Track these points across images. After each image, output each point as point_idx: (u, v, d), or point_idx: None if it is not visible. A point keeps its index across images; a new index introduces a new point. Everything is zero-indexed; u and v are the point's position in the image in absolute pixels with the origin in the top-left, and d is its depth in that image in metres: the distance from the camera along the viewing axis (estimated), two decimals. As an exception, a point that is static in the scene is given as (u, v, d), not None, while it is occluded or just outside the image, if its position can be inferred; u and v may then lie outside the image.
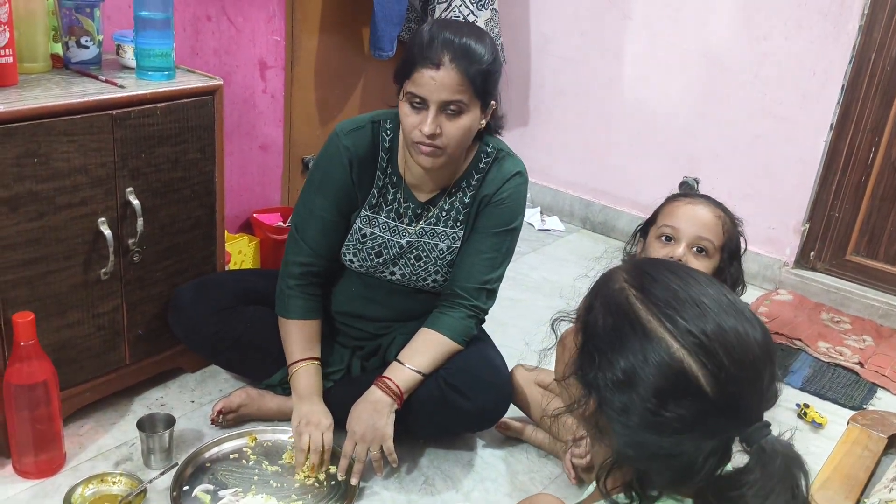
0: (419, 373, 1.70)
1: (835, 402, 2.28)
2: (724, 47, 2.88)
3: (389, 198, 1.77)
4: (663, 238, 1.66)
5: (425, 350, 1.72)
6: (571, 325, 1.02)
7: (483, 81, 1.57)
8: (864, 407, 2.26)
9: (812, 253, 2.93)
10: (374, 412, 1.66)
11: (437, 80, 1.53)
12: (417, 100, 1.57)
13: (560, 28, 3.25)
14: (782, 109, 2.82)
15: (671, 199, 1.72)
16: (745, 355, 0.85)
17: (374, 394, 1.68)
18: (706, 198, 1.70)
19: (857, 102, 2.72)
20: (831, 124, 2.75)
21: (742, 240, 1.69)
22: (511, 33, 3.27)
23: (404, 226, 1.77)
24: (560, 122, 3.38)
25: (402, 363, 1.71)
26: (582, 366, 0.92)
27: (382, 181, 1.75)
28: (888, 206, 2.76)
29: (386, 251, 1.78)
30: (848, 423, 2.09)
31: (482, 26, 2.75)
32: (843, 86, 2.70)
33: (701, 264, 1.61)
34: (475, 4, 2.78)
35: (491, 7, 2.84)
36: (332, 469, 1.73)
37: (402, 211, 1.77)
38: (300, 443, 1.68)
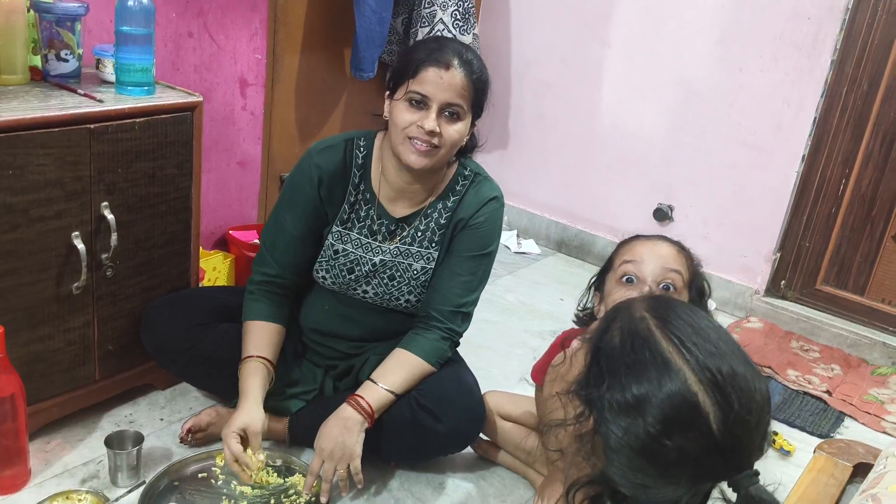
0: (392, 392, 1.70)
1: (803, 429, 2.31)
2: (701, 77, 2.93)
3: (362, 214, 1.78)
4: (624, 279, 1.46)
5: (398, 370, 1.72)
6: (578, 344, 1.03)
7: (479, 93, 1.67)
8: (832, 435, 2.28)
9: (783, 282, 2.97)
10: (345, 429, 1.65)
11: (444, 80, 1.61)
12: (418, 97, 1.62)
13: (541, 53, 3.29)
14: (756, 140, 2.86)
15: (624, 242, 1.54)
16: (752, 402, 0.87)
17: (346, 411, 1.67)
18: (661, 237, 1.53)
19: (828, 135, 2.77)
20: (803, 156, 2.81)
21: (705, 283, 1.53)
22: (492, 57, 3.31)
23: (377, 243, 1.78)
24: (538, 146, 3.41)
25: (374, 382, 1.71)
26: (588, 384, 0.92)
27: (354, 197, 1.77)
28: (857, 236, 2.81)
29: (358, 268, 1.78)
30: (815, 452, 2.11)
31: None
32: (815, 118, 2.76)
33: None
34: (458, 29, 2.81)
35: (473, 32, 2.87)
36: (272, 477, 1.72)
37: (374, 228, 1.78)
38: (224, 453, 1.64)
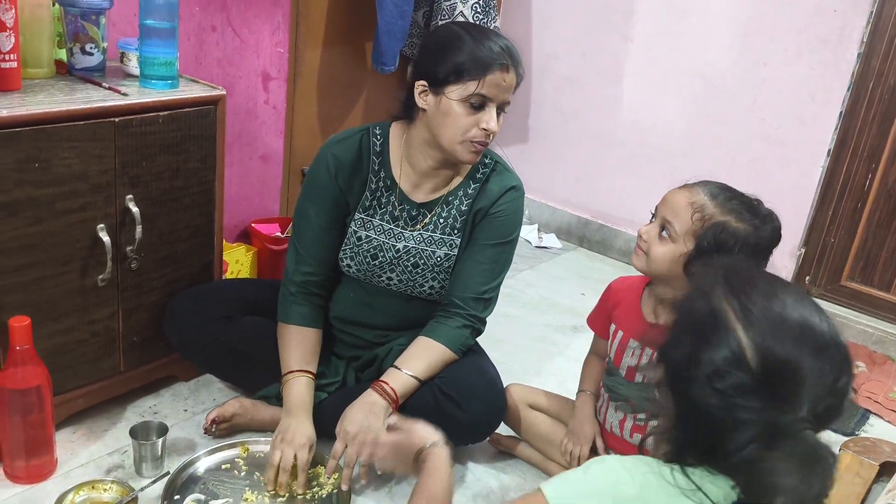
0: (416, 378, 1.71)
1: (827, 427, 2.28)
2: (724, 71, 2.90)
3: (383, 200, 1.80)
4: (651, 217, 1.64)
5: (422, 357, 1.74)
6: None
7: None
8: (857, 433, 2.26)
9: (807, 277, 2.94)
10: (370, 413, 1.66)
11: (506, 83, 1.65)
12: (480, 100, 1.63)
13: (561, 48, 3.27)
14: (780, 134, 2.83)
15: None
16: (803, 343, 0.93)
17: (370, 396, 1.68)
18: (708, 184, 1.60)
19: (854, 129, 2.74)
20: (829, 150, 2.77)
21: (724, 237, 1.51)
22: (513, 51, 3.30)
23: (400, 229, 1.79)
24: (559, 141, 3.39)
25: (398, 368, 1.72)
26: (666, 341, 1.03)
27: (375, 184, 1.79)
28: (884, 232, 2.78)
29: (382, 254, 1.79)
30: (840, 450, 2.09)
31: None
32: (841, 112, 2.72)
33: (660, 247, 1.56)
34: (478, 22, 2.80)
35: (494, 26, 2.86)
36: (316, 488, 1.72)
37: (396, 214, 1.79)
38: (272, 458, 1.67)
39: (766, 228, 1.53)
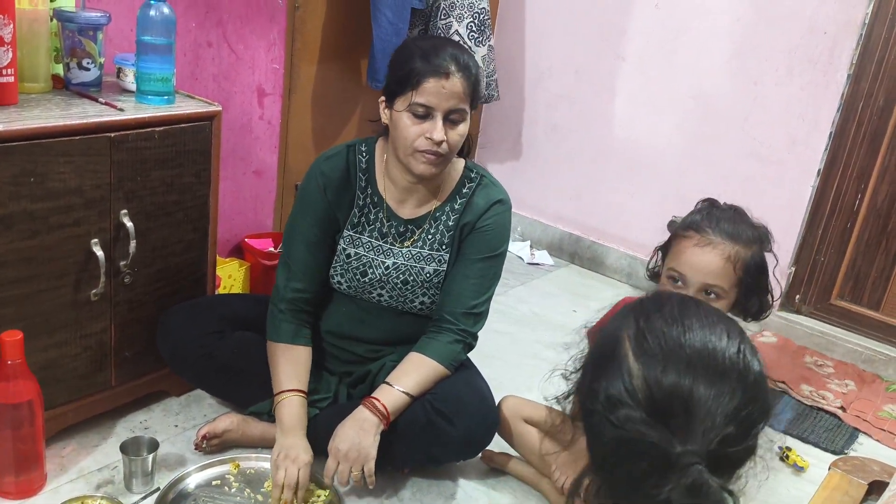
0: (407, 394, 1.71)
1: (817, 445, 2.29)
2: (716, 91, 2.93)
3: (371, 217, 1.81)
4: (672, 279, 1.63)
5: (413, 373, 1.74)
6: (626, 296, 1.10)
7: (476, 90, 1.69)
8: (846, 452, 2.27)
9: (797, 296, 2.96)
10: (361, 430, 1.66)
11: (446, 89, 1.62)
12: (422, 109, 1.63)
13: (555, 65, 3.30)
14: (771, 154, 2.86)
15: (681, 234, 1.65)
16: (697, 370, 0.87)
17: (362, 413, 1.68)
18: (719, 229, 1.61)
19: (844, 149, 2.77)
20: (819, 170, 2.80)
21: (771, 257, 1.66)
22: (507, 69, 3.32)
23: (388, 245, 1.81)
24: (552, 158, 3.41)
25: (390, 385, 1.72)
26: (578, 370, 1.04)
27: (363, 200, 1.80)
28: (873, 251, 2.80)
29: (371, 271, 1.80)
30: (829, 469, 2.10)
31: (479, 62, 2.79)
32: (830, 133, 2.75)
33: (716, 305, 1.58)
34: (473, 41, 2.82)
35: (488, 44, 2.88)
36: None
37: (384, 230, 1.81)
38: (276, 477, 1.67)
39: (765, 233, 1.67)
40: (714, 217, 1.64)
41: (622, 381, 0.89)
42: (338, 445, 1.66)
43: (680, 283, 1.61)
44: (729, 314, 1.60)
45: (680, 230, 1.66)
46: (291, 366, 1.78)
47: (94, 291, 1.73)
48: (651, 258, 1.80)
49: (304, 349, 1.81)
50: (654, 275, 1.76)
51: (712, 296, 1.59)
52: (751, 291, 1.62)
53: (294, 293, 1.81)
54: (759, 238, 1.65)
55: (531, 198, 3.45)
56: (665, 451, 0.85)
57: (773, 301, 1.71)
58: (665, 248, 1.71)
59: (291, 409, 1.74)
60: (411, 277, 1.81)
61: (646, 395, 0.87)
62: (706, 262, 1.58)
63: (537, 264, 3.37)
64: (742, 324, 1.02)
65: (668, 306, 0.94)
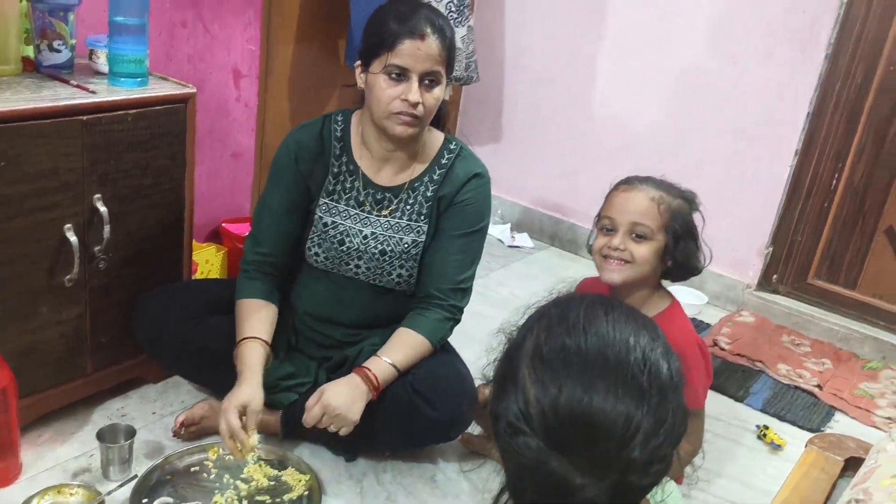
0: (395, 367, 1.72)
1: (794, 423, 2.32)
2: (695, 70, 2.93)
3: (347, 185, 1.81)
4: (604, 230, 1.72)
5: (402, 347, 1.75)
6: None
7: (451, 54, 1.70)
8: (822, 429, 2.30)
9: (774, 276, 2.98)
10: (353, 394, 1.67)
11: (422, 51, 1.63)
12: (397, 71, 1.63)
13: (535, 45, 3.28)
14: (750, 133, 2.87)
15: (612, 189, 1.76)
16: (593, 435, 0.81)
17: (354, 379, 1.69)
18: (647, 181, 1.72)
19: (821, 128, 2.78)
20: (797, 150, 2.81)
21: (698, 216, 1.73)
22: (486, 49, 3.29)
23: (365, 214, 1.81)
24: (532, 139, 3.40)
25: (380, 357, 1.73)
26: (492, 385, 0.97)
27: (338, 167, 1.80)
28: (849, 231, 2.82)
29: (349, 240, 1.80)
30: (806, 446, 2.13)
31: (458, 42, 2.77)
32: (808, 112, 2.76)
33: (642, 248, 1.67)
34: (452, 20, 2.79)
35: (468, 24, 2.86)
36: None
37: (361, 199, 1.81)
38: (220, 430, 1.62)
39: (692, 195, 1.74)
40: (641, 177, 1.75)
41: (518, 406, 0.84)
42: (329, 400, 1.65)
43: (612, 229, 1.69)
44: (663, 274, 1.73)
45: (611, 190, 1.76)
46: (254, 318, 1.75)
47: (68, 277, 1.70)
48: (590, 234, 1.82)
49: (268, 305, 1.79)
50: (593, 250, 1.78)
51: (642, 238, 1.66)
52: (678, 238, 1.68)
53: (258, 256, 1.82)
54: (685, 195, 1.73)
55: (511, 180, 3.43)
56: (566, 479, 0.81)
57: (704, 261, 1.75)
58: (600, 211, 1.77)
59: (246, 353, 1.69)
60: (389, 248, 1.80)
61: (541, 422, 0.82)
62: (632, 200, 1.68)
63: (518, 247, 3.37)
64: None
65: (573, 312, 0.89)
